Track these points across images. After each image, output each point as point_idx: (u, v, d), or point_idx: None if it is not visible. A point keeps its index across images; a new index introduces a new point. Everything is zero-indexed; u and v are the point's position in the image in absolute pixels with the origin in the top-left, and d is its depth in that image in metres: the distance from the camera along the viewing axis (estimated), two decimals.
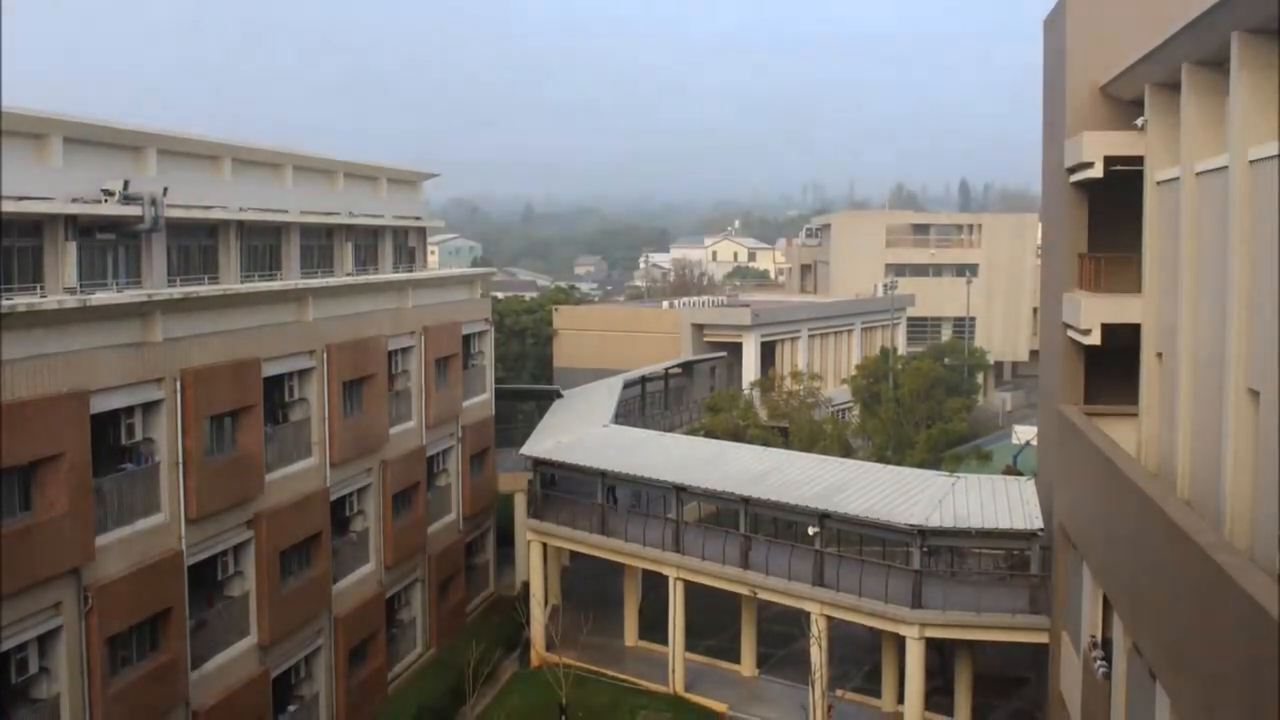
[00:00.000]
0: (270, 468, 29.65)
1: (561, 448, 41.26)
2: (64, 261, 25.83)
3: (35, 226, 25.37)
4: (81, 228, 26.36)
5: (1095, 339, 25.98)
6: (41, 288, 25.33)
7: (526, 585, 41.91)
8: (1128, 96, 25.85)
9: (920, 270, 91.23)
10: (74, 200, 25.71)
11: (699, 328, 65.91)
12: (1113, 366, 26.95)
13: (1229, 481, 17.17)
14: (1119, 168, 25.40)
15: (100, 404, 23.48)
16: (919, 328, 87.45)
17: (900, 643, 33.09)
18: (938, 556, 34.10)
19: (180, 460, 25.88)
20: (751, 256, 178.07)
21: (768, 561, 34.82)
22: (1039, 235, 68.74)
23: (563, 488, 41.79)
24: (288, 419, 31.50)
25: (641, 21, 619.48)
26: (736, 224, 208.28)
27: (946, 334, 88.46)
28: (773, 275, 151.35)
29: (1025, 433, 57.39)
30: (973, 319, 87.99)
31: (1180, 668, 17.03)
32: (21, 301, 22.05)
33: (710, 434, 49.94)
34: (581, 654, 37.43)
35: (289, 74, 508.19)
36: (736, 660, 38.61)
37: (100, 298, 23.81)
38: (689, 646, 37.74)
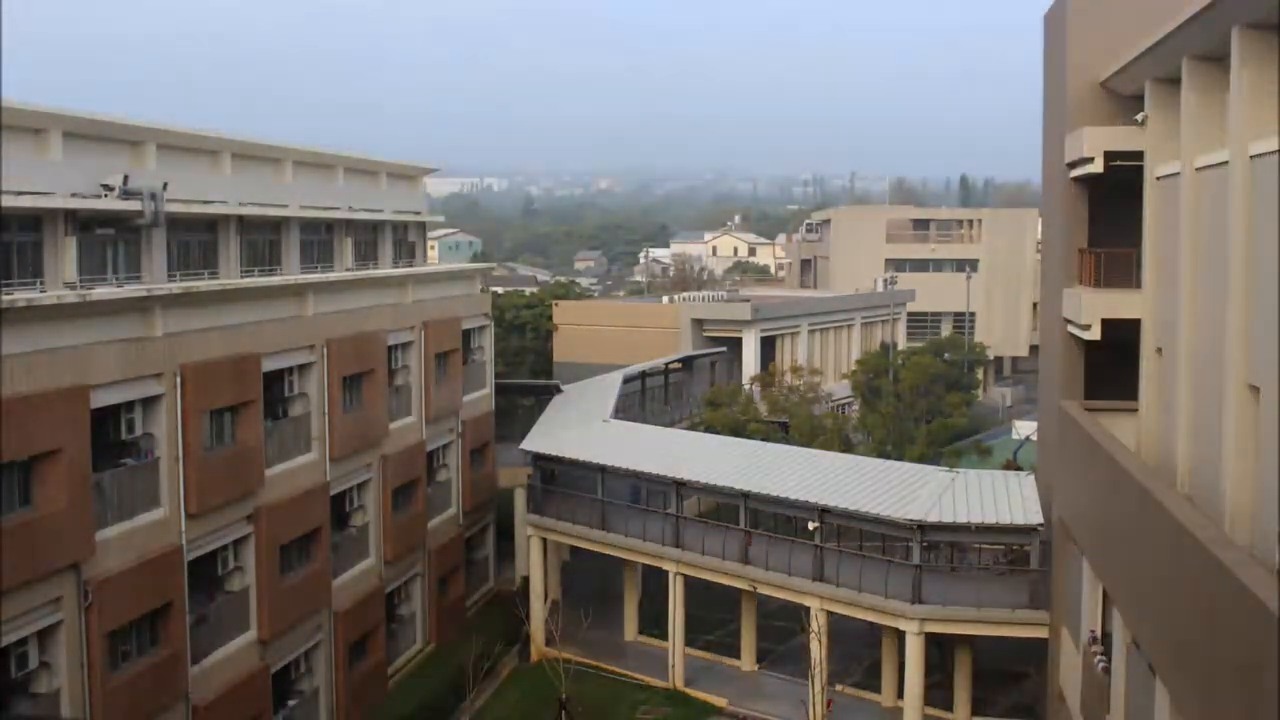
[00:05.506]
0: (270, 463, 29.64)
1: (561, 443, 41.26)
2: (63, 256, 25.77)
3: (35, 221, 25.31)
4: (81, 223, 26.29)
5: (1095, 334, 25.97)
6: (41, 283, 25.29)
7: (526, 580, 41.93)
8: (1128, 91, 25.81)
9: (920, 265, 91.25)
10: (73, 195, 25.64)
11: (699, 323, 65.88)
12: (1113, 362, 26.92)
13: (1229, 477, 17.17)
14: (1119, 163, 25.36)
15: (100, 399, 23.48)
16: (919, 323, 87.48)
17: (900, 638, 33.13)
18: (937, 552, 34.14)
19: (180, 455, 25.88)
20: (752, 251, 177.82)
21: (767, 557, 34.85)
22: (1039, 230, 68.68)
23: (562, 483, 41.78)
24: (287, 414, 31.50)
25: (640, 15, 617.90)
26: (737, 219, 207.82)
27: (946, 329, 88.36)
28: (773, 270, 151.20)
29: (1025, 428, 57.41)
30: (973, 314, 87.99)
31: (1180, 663, 17.04)
32: (21, 296, 22.05)
33: (710, 429, 49.91)
34: (581, 649, 37.42)
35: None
36: (736, 655, 38.66)
37: (100, 293, 23.80)
38: (689, 641, 37.80)
